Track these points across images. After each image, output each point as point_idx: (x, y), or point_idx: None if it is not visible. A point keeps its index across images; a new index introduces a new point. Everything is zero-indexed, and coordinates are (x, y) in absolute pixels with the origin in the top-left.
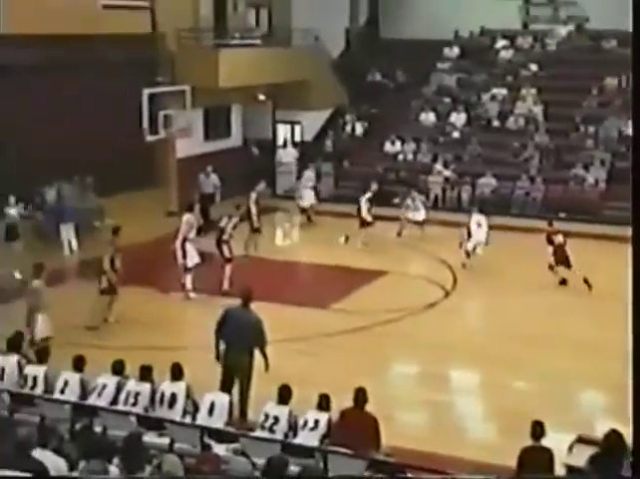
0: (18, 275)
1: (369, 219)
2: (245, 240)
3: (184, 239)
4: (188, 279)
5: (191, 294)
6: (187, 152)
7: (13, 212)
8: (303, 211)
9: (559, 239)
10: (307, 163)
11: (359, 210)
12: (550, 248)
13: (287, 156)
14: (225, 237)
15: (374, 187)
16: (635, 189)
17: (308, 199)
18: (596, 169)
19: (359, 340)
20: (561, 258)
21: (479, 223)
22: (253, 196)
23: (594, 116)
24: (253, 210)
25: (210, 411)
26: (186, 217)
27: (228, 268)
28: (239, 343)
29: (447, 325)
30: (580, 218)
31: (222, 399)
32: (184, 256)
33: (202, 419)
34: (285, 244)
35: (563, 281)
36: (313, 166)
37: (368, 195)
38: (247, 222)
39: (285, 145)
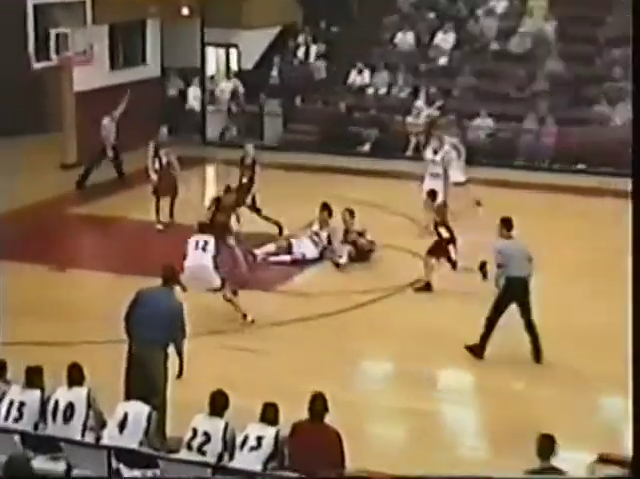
0: None
1: None
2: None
3: None
4: None
5: None
6: (88, 84)
7: None
8: None
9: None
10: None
11: None
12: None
13: (227, 90)
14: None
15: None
16: (635, 191)
17: None
18: (625, 105)
19: (315, 332)
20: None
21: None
22: (151, 145)
23: (624, 36)
24: (150, 164)
25: (121, 426)
26: None
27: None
28: (149, 336)
29: (432, 311)
30: (604, 170)
31: (139, 410)
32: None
33: (110, 437)
34: None
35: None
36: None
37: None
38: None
39: (229, 75)
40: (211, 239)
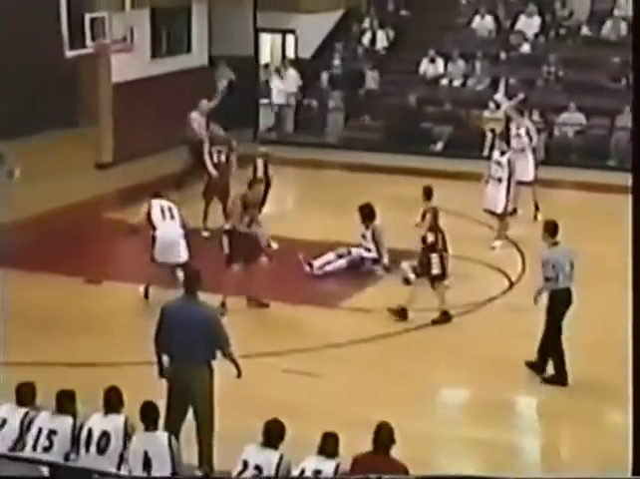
0: None
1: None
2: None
3: None
4: None
5: None
6: (128, 74)
7: None
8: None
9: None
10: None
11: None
12: None
13: (290, 82)
14: None
15: None
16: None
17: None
18: None
19: (381, 353)
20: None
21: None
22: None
23: None
24: (209, 159)
25: (147, 467)
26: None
27: None
28: (186, 353)
29: (510, 331)
30: None
31: (158, 442)
32: None
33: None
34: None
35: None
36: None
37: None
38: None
39: (285, 64)
40: (172, 205)
